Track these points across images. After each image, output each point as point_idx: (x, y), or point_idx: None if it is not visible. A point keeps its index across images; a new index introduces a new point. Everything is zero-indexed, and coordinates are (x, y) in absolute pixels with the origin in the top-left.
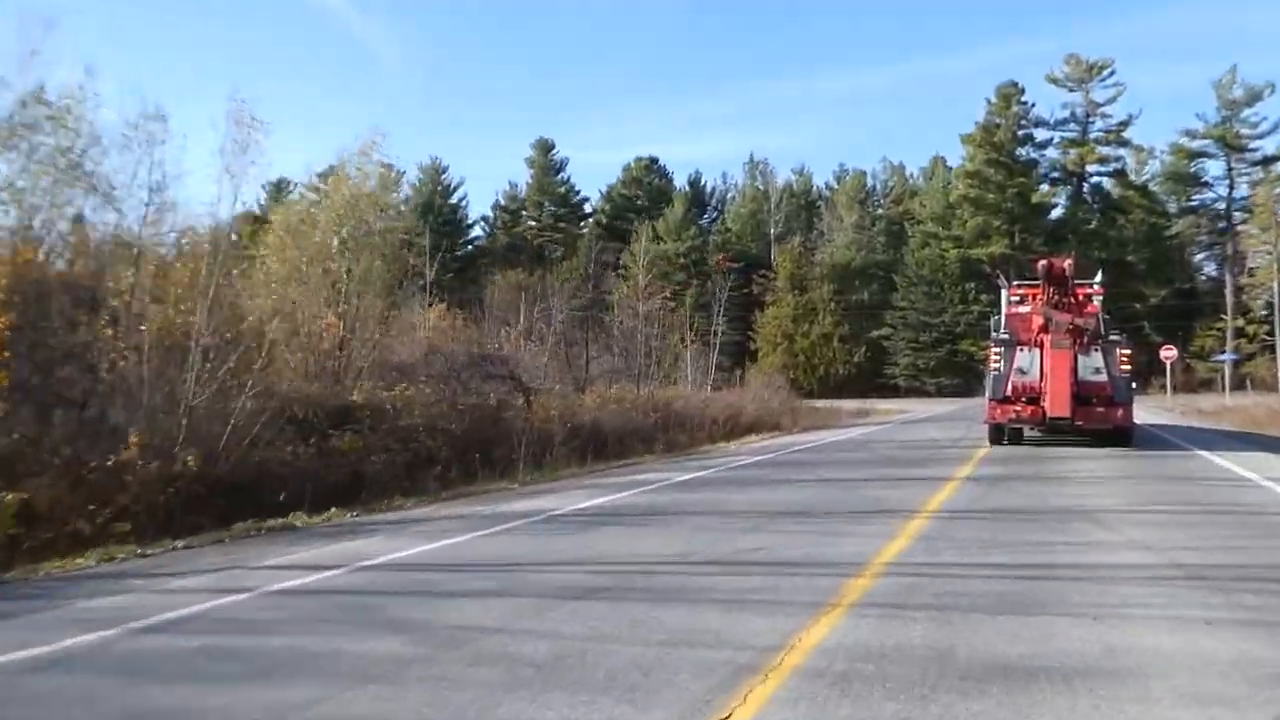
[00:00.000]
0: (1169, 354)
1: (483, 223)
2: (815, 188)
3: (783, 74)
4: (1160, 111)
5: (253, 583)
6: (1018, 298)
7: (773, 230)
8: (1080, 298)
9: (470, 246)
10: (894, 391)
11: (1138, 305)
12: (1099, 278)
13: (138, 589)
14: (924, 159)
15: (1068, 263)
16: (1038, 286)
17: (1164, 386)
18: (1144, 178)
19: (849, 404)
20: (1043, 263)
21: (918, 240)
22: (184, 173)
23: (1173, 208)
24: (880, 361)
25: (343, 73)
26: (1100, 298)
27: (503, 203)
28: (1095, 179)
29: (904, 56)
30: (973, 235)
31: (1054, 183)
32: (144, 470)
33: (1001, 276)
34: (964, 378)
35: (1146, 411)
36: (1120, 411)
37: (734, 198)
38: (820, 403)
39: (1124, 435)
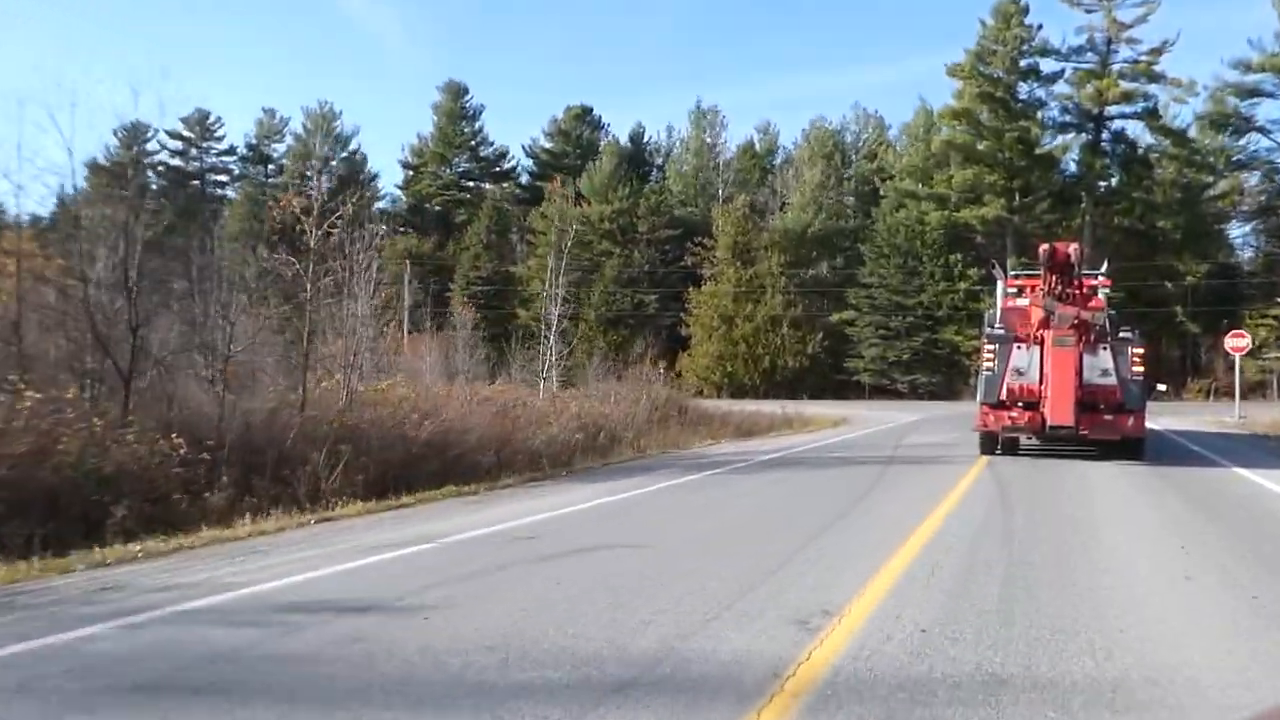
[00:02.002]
0: (1238, 343)
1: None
2: (782, 148)
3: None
4: (1203, 36)
5: None
6: (1015, 289)
7: (721, 191)
8: (1084, 289)
9: (374, 208)
10: (857, 391)
11: (1168, 285)
12: (1104, 268)
13: None
14: (907, 114)
15: (1073, 248)
16: (1038, 278)
17: (1206, 390)
18: (1180, 122)
19: (773, 409)
20: (1045, 247)
21: (891, 200)
22: None
23: (1216, 161)
24: (841, 353)
25: None
26: (1106, 290)
27: (408, 158)
28: (1118, 123)
29: (904, 55)
30: (960, 194)
31: (1064, 128)
32: None
33: (997, 266)
34: (945, 375)
35: (1200, 424)
36: (1131, 420)
37: (679, 153)
38: (740, 405)
39: (1134, 447)
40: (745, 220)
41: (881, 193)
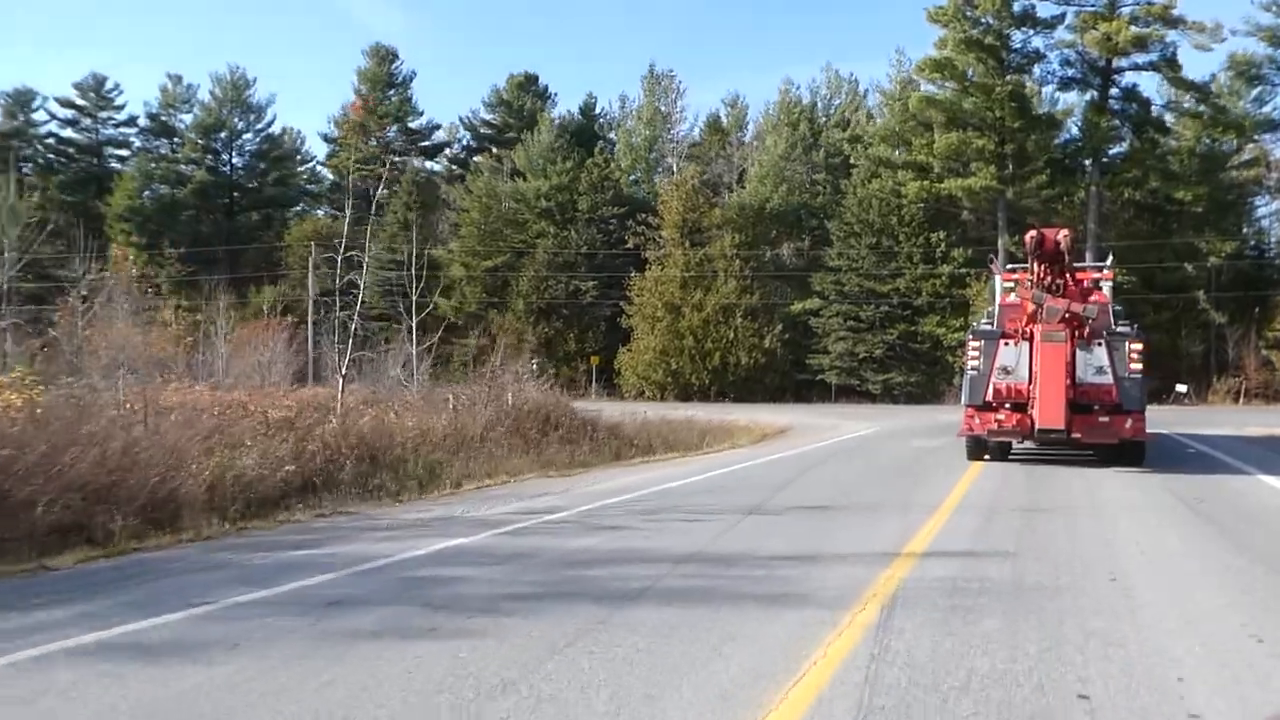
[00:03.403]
0: None
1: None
2: (754, 123)
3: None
4: None
5: None
6: (1011, 284)
7: (676, 165)
8: (1084, 283)
9: (293, 185)
10: (823, 392)
11: (1188, 267)
12: (1109, 261)
13: None
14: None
15: (1062, 234)
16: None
17: (1235, 392)
18: (1203, 74)
19: (701, 416)
20: (1031, 234)
21: (863, 170)
22: None
23: (1242, 121)
24: (804, 347)
25: None
26: (1110, 284)
27: (330, 131)
28: (1129, 78)
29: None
30: (943, 161)
31: (1066, 83)
32: None
33: (995, 260)
34: (925, 374)
35: (1257, 432)
36: (1129, 422)
37: (633, 125)
38: (667, 412)
39: (1134, 451)
40: (695, 194)
41: (852, 160)
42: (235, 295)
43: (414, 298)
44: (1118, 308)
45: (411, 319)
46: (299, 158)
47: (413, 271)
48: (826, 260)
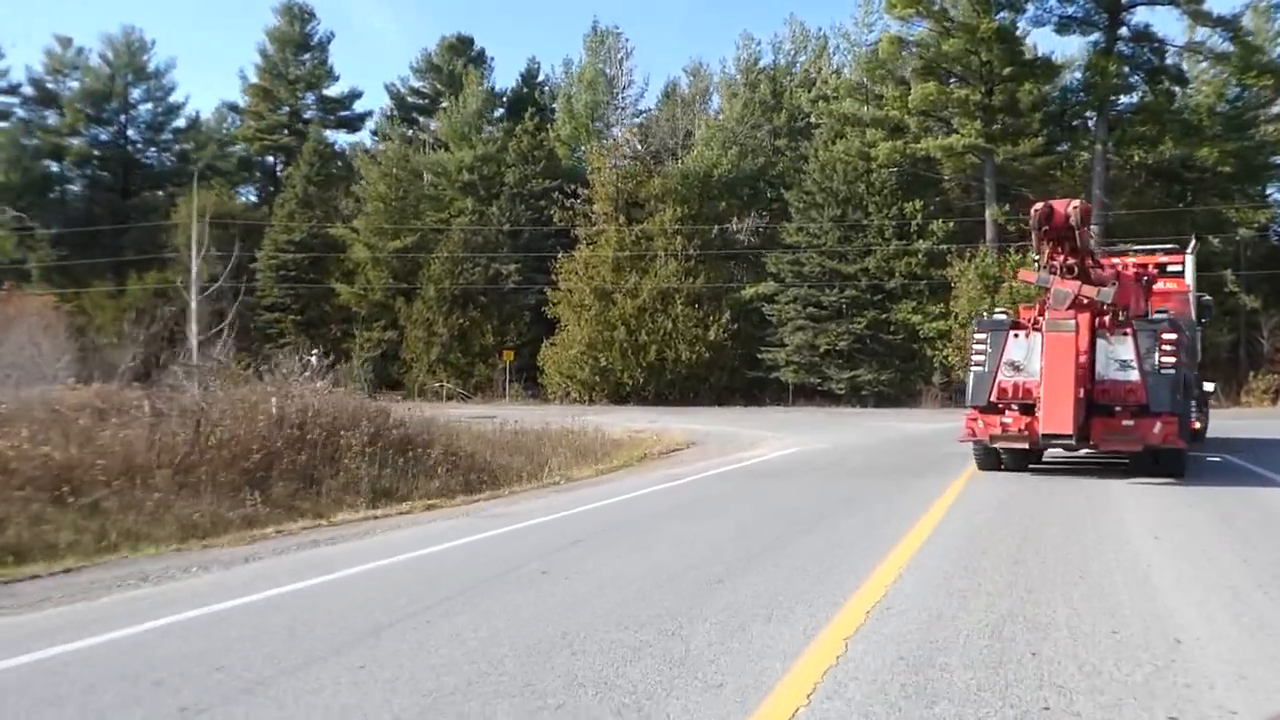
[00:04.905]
0: None
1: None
2: (717, 92)
3: None
4: None
5: None
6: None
7: (621, 134)
8: (1147, 270)
9: (195, 159)
10: (779, 392)
11: (1213, 241)
12: (1193, 245)
13: None
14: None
15: (1074, 206)
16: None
17: (1276, 391)
18: (1231, 8)
19: (578, 423)
20: (1039, 206)
21: (826, 130)
22: None
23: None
24: (756, 340)
25: None
26: (1189, 269)
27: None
28: (1140, 15)
29: None
30: (919, 117)
31: (1066, 23)
32: None
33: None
34: (899, 371)
35: None
36: (1158, 425)
37: (576, 90)
38: (556, 418)
39: (1171, 461)
40: (631, 160)
41: (813, 119)
42: (117, 281)
43: (194, 264)
44: (1207, 298)
45: (191, 296)
46: (224, 132)
47: (193, 234)
48: (783, 236)
